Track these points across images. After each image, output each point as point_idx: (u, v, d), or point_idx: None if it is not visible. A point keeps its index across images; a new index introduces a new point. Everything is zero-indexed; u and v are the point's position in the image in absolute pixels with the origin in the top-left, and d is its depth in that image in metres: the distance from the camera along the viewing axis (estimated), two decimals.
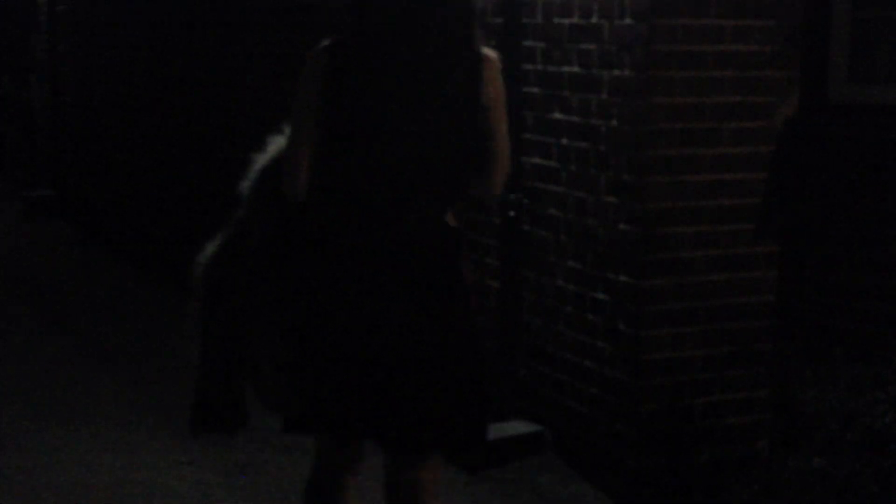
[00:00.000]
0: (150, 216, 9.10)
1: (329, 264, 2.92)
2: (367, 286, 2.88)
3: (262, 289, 2.97)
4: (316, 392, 2.95)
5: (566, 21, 4.65)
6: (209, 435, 3.24)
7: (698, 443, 4.49)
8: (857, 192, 4.48)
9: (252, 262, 3.01)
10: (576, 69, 4.60)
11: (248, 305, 2.99)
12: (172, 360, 6.37)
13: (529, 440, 4.87)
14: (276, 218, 3.01)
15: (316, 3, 6.48)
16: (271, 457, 5.02)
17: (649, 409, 4.40)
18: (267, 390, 3.08)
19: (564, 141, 4.70)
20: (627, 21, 4.31)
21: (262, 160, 3.13)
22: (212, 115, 7.94)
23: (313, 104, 2.92)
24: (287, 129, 3.05)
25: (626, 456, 4.45)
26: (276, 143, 3.13)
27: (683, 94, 4.32)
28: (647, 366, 4.39)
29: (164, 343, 6.70)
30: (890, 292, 4.42)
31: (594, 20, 4.49)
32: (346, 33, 2.94)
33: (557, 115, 4.74)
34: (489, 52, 2.91)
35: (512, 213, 4.90)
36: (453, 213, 2.95)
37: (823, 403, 4.08)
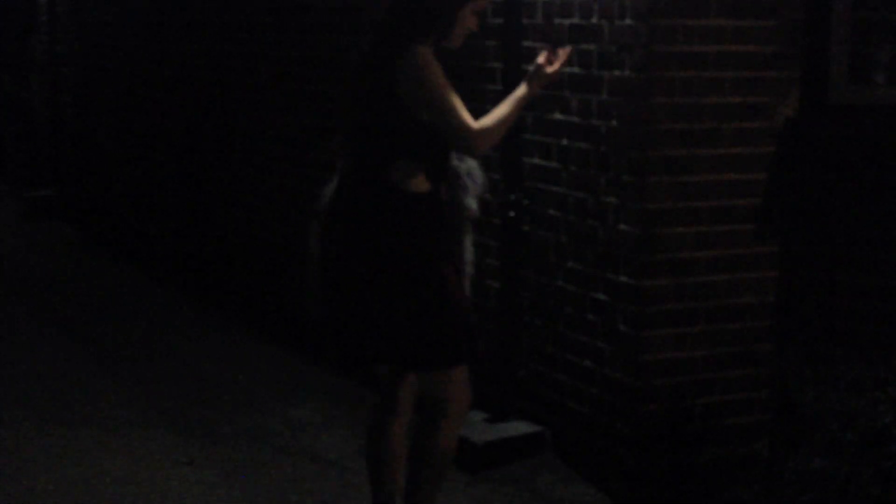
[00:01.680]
0: (150, 216, 9.10)
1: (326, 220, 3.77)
2: (337, 234, 3.71)
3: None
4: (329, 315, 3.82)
5: (566, 21, 4.65)
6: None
7: (698, 443, 4.49)
8: (857, 192, 4.48)
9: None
10: (576, 69, 4.60)
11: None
12: (173, 361, 6.37)
13: (529, 440, 4.87)
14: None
15: (315, 4, 6.48)
16: (271, 457, 5.02)
17: (649, 409, 4.40)
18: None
19: (564, 141, 4.71)
20: (627, 21, 4.31)
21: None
22: (212, 114, 7.95)
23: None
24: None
25: (626, 456, 4.45)
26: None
27: (683, 95, 4.32)
28: (648, 366, 4.39)
29: (165, 343, 6.71)
30: (890, 292, 4.42)
31: (594, 21, 4.50)
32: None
33: (557, 116, 4.74)
34: (415, 52, 3.54)
35: (512, 214, 4.90)
36: (420, 180, 3.63)
37: (823, 403, 4.08)
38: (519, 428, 4.91)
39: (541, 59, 3.77)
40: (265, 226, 7.24)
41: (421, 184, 3.64)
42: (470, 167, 3.86)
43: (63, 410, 5.55)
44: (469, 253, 3.90)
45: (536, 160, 4.87)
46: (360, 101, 3.70)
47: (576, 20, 4.60)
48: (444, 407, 3.75)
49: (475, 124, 3.61)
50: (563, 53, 3.79)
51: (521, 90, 3.75)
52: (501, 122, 3.67)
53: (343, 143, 3.84)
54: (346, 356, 4.06)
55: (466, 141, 3.61)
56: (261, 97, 7.21)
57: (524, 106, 3.78)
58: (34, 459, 4.95)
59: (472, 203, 3.86)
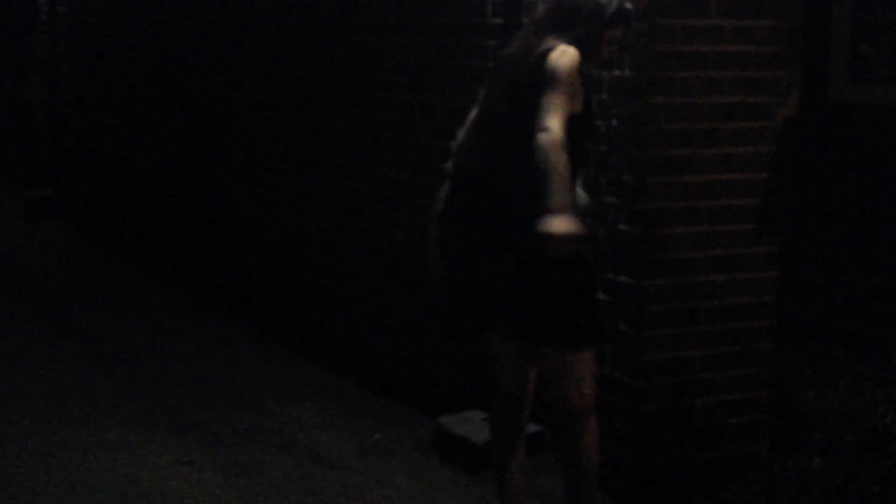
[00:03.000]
0: (150, 216, 9.10)
1: (453, 208, 3.88)
2: (472, 219, 3.82)
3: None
4: (458, 301, 3.95)
5: None
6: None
7: (698, 443, 4.49)
8: (858, 193, 4.48)
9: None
10: None
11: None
12: (173, 361, 6.37)
13: (529, 440, 4.86)
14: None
15: (315, 4, 6.48)
16: (271, 457, 5.02)
17: (649, 409, 4.40)
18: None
19: None
20: None
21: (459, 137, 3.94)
22: (212, 114, 7.95)
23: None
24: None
25: (626, 456, 4.45)
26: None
27: (683, 94, 4.31)
28: (648, 366, 4.39)
29: (165, 343, 6.71)
30: (890, 292, 4.43)
31: None
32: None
33: None
34: (554, 52, 3.67)
35: None
36: None
37: (823, 403, 4.08)
38: None
39: None
40: (265, 226, 7.24)
41: None
42: None
43: (63, 410, 5.55)
44: None
45: None
46: (509, 103, 3.74)
47: None
48: (575, 408, 3.83)
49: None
50: None
51: None
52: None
53: (461, 147, 3.89)
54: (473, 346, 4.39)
55: (543, 134, 3.65)
56: (261, 97, 7.21)
57: None
58: (34, 459, 4.95)
59: (583, 193, 4.08)
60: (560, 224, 3.51)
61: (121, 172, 9.71)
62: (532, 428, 4.90)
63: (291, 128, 6.83)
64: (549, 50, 3.67)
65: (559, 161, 3.55)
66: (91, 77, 10.30)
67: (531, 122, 3.61)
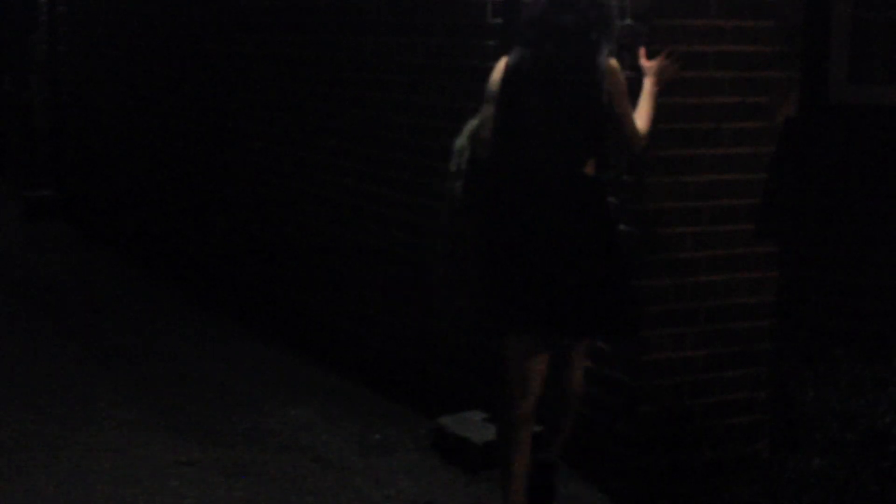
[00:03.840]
0: (150, 216, 9.10)
1: (504, 208, 3.99)
2: (533, 220, 3.95)
3: (464, 229, 4.09)
4: (504, 298, 4.00)
5: None
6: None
7: (698, 443, 4.49)
8: (857, 193, 4.48)
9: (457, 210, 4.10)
10: None
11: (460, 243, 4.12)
12: (173, 361, 6.37)
13: (534, 439, 4.86)
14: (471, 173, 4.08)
15: (316, 4, 6.48)
16: (271, 457, 5.02)
17: (649, 409, 4.40)
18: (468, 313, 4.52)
19: None
20: (627, 21, 4.31)
21: (470, 127, 4.08)
22: (212, 115, 7.94)
23: (495, 94, 3.99)
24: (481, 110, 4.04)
25: (626, 456, 4.45)
26: (476, 119, 4.07)
27: (683, 94, 4.32)
28: (648, 366, 4.39)
29: (165, 343, 6.71)
30: (890, 292, 4.42)
31: None
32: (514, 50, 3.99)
33: None
34: (611, 63, 3.91)
35: None
36: (591, 166, 3.99)
37: (823, 403, 4.07)
38: None
39: (661, 58, 4.18)
40: (265, 226, 7.24)
41: (591, 169, 4.02)
42: None
43: (63, 410, 5.55)
44: None
45: None
46: (549, 102, 3.94)
47: None
48: (577, 393, 4.21)
49: (643, 129, 4.06)
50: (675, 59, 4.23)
51: (652, 86, 4.14)
52: (652, 120, 4.10)
53: (494, 139, 4.05)
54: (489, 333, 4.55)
55: (640, 142, 4.06)
56: (261, 97, 7.21)
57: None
58: (34, 459, 4.95)
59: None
60: None
61: (121, 172, 9.71)
62: (536, 428, 4.90)
63: (291, 128, 6.82)
64: (606, 59, 3.91)
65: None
66: (91, 77, 10.29)
67: (595, 128, 3.96)
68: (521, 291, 3.95)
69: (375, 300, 6.03)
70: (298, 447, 5.13)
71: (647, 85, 4.15)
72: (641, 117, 4.07)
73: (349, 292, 6.28)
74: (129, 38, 9.41)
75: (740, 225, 4.48)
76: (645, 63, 4.19)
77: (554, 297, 3.93)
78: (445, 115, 5.24)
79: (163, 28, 8.74)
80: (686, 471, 4.47)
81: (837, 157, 4.53)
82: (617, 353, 4.46)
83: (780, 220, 4.54)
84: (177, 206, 8.62)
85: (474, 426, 4.91)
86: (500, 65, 4.01)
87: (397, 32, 5.71)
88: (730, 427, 4.54)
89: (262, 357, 6.44)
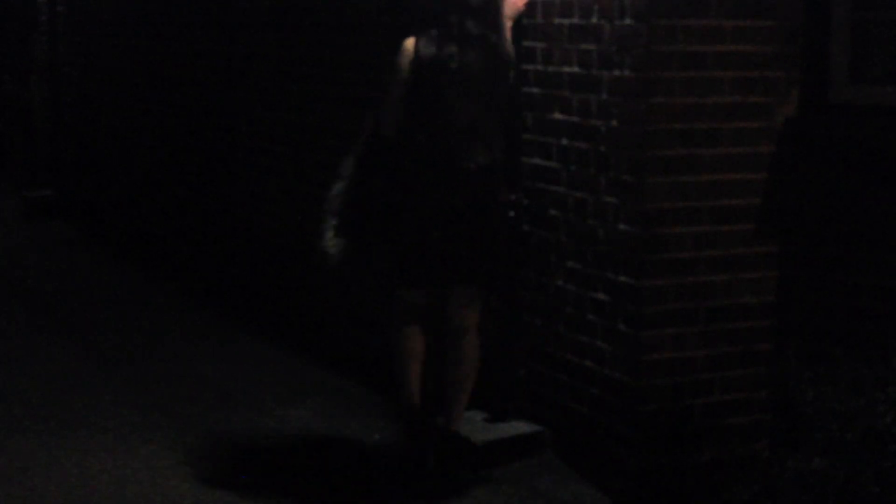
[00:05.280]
0: (151, 216, 9.10)
1: (413, 189, 4.55)
2: (437, 199, 4.53)
3: (376, 206, 4.61)
4: (410, 262, 4.68)
5: (566, 21, 4.65)
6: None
7: (698, 443, 4.49)
8: (857, 193, 4.47)
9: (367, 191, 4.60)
10: (576, 69, 4.60)
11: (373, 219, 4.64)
12: (172, 361, 6.37)
13: (529, 440, 4.87)
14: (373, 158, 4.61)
15: (315, 4, 6.48)
16: (271, 457, 5.02)
17: (649, 409, 4.40)
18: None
19: (564, 141, 4.70)
20: (627, 21, 4.31)
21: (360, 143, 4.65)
22: (211, 114, 7.95)
23: (404, 76, 4.52)
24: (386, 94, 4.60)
25: (626, 456, 4.45)
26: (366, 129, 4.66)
27: (683, 95, 4.32)
28: (648, 366, 4.39)
29: (164, 343, 6.71)
30: (890, 292, 4.42)
31: (594, 20, 4.49)
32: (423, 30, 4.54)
33: (557, 116, 4.74)
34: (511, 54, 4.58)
35: (512, 213, 4.90)
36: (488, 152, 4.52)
37: (823, 403, 4.07)
38: (519, 428, 4.91)
39: None
40: (265, 226, 7.24)
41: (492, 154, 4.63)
42: None
43: (62, 410, 5.55)
44: None
45: (536, 160, 4.87)
46: (463, 89, 4.49)
47: (576, 20, 4.60)
48: (467, 325, 4.67)
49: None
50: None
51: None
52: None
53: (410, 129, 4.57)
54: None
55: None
56: (261, 97, 7.21)
57: (523, 104, 4.65)
58: (34, 459, 4.95)
59: None
60: None
61: (120, 172, 9.72)
62: (531, 428, 4.91)
63: (291, 128, 6.82)
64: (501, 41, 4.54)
65: None
66: (91, 77, 10.30)
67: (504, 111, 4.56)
68: (412, 253, 4.61)
69: (375, 300, 6.03)
70: (298, 447, 5.13)
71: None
72: None
73: (349, 292, 6.28)
74: (129, 38, 9.41)
75: (740, 225, 4.48)
76: None
77: (434, 257, 4.58)
78: None
79: (163, 28, 8.74)
80: (686, 471, 4.47)
81: (837, 157, 4.52)
82: (617, 353, 4.46)
83: (780, 220, 4.54)
84: (177, 205, 8.62)
85: (474, 426, 4.91)
86: (409, 45, 4.50)
87: (397, 32, 5.71)
88: (730, 427, 4.54)
89: (262, 357, 6.43)
